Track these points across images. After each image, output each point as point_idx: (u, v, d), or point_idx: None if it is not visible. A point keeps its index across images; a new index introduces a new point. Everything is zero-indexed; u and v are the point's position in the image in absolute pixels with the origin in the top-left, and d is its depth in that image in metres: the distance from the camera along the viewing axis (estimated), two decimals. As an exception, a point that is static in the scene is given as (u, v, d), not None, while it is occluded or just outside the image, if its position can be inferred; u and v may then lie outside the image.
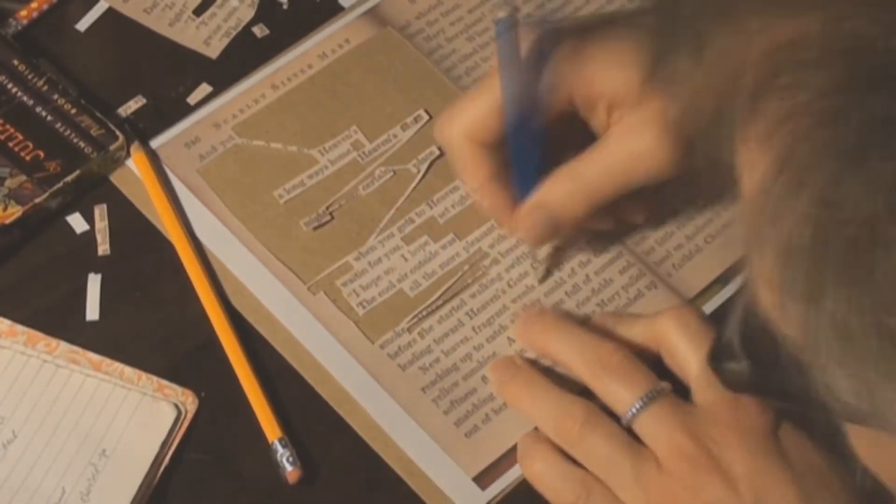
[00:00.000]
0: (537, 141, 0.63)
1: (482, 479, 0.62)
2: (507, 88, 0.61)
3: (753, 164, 0.36)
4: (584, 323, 0.64)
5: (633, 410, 0.59)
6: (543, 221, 0.64)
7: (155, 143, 0.70)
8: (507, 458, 0.62)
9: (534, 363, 0.64)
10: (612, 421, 0.60)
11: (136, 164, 0.69)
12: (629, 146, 0.62)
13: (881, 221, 0.32)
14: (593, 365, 0.61)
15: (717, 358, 0.47)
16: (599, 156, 0.63)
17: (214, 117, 0.71)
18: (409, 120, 0.71)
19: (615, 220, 0.67)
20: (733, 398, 0.58)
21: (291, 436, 0.62)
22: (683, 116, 0.57)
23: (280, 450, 0.62)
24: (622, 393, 0.59)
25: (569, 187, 0.63)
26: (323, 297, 0.66)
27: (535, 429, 0.62)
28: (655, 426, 0.59)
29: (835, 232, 0.33)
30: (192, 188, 0.69)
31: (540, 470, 0.60)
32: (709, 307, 0.67)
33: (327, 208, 0.69)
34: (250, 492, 0.62)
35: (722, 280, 0.68)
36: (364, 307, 0.66)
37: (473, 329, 0.66)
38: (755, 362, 0.43)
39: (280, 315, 0.65)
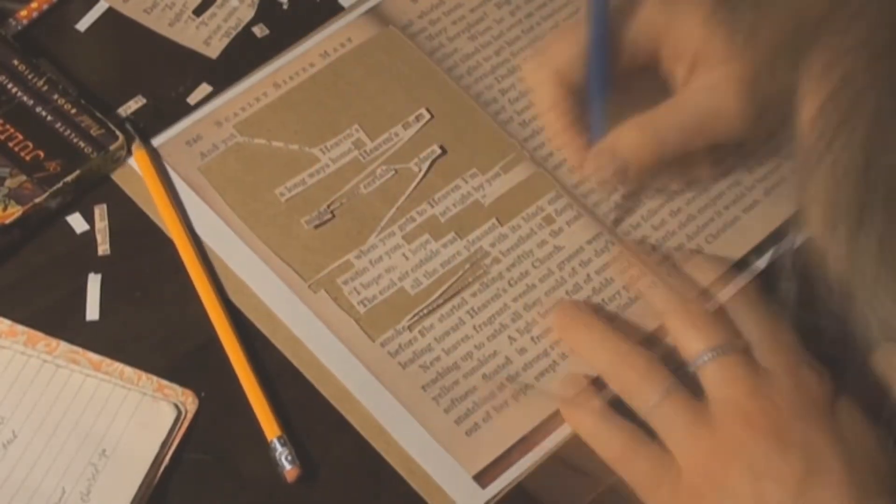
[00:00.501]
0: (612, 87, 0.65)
1: (482, 478, 0.62)
2: (594, 32, 0.62)
3: (814, 92, 0.37)
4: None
5: (704, 359, 0.60)
6: (612, 164, 0.65)
7: (156, 142, 0.70)
8: (508, 456, 0.62)
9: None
10: (672, 374, 0.60)
11: (137, 161, 0.69)
12: (706, 103, 0.63)
13: None
14: (676, 308, 0.62)
15: (771, 278, 0.48)
16: (676, 109, 0.64)
17: (216, 115, 0.71)
18: (411, 119, 0.71)
19: (681, 173, 0.68)
20: (794, 365, 0.59)
21: (291, 434, 0.62)
22: (758, 70, 0.58)
23: (279, 448, 0.62)
24: (696, 340, 0.60)
25: (641, 135, 0.64)
26: (324, 295, 0.66)
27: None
28: (720, 377, 0.59)
29: (886, 155, 0.34)
30: (193, 186, 0.69)
31: (582, 417, 0.61)
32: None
33: (328, 206, 0.69)
34: (250, 492, 0.62)
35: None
36: (365, 305, 0.66)
37: (474, 327, 0.66)
38: (805, 283, 0.44)
39: (281, 313, 0.65)
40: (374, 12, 0.75)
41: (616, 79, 0.65)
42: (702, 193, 0.69)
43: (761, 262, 0.66)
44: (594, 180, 0.67)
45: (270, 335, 0.65)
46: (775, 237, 0.67)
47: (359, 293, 0.66)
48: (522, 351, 0.65)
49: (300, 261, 0.67)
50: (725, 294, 0.63)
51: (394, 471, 0.62)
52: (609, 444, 0.60)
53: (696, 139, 0.64)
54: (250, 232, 0.67)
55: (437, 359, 0.65)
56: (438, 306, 0.66)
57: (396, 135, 0.71)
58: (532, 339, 0.65)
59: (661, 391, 0.59)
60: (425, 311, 0.66)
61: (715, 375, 0.59)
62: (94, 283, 0.67)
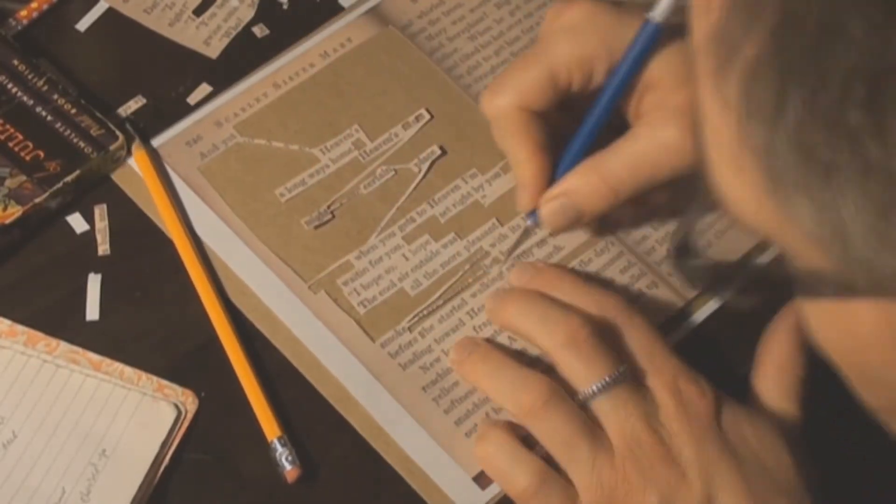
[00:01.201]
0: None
1: (482, 479, 0.62)
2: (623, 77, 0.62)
3: (707, 8, 0.37)
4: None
5: (593, 390, 0.59)
6: (565, 210, 0.64)
7: (156, 142, 0.70)
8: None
9: (494, 343, 0.65)
10: (572, 401, 0.60)
11: (137, 162, 0.69)
12: (656, 138, 0.62)
13: (838, 15, 0.33)
14: (559, 338, 0.60)
15: (678, 255, 0.48)
16: (627, 148, 0.63)
17: (216, 115, 0.71)
18: (411, 119, 0.71)
19: (639, 206, 0.67)
20: (672, 381, 0.59)
21: (291, 435, 0.62)
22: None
23: (279, 448, 0.62)
24: (584, 371, 0.60)
25: (593, 179, 0.63)
26: (324, 295, 0.66)
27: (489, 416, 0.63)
28: (612, 410, 0.59)
29: (794, 39, 0.34)
30: (193, 186, 0.69)
31: (492, 452, 0.60)
32: (710, 307, 0.67)
33: (328, 207, 0.69)
34: (250, 492, 0.62)
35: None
36: (365, 306, 0.66)
37: (474, 328, 0.65)
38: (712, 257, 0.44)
39: (281, 314, 0.65)
40: (373, 12, 0.75)
41: (574, 104, 0.64)
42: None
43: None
44: (547, 228, 0.66)
45: (270, 335, 0.65)
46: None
47: (359, 294, 0.66)
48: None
49: (300, 261, 0.67)
50: (603, 310, 0.62)
51: (393, 471, 0.62)
52: (515, 480, 0.59)
53: (651, 176, 0.62)
54: (250, 232, 0.67)
55: (438, 360, 0.64)
56: (438, 307, 0.66)
57: (396, 135, 0.71)
58: None
59: (566, 422, 0.59)
60: (425, 312, 0.66)
61: (607, 408, 0.59)
62: (94, 283, 0.67)
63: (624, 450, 0.58)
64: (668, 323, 0.66)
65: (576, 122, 0.64)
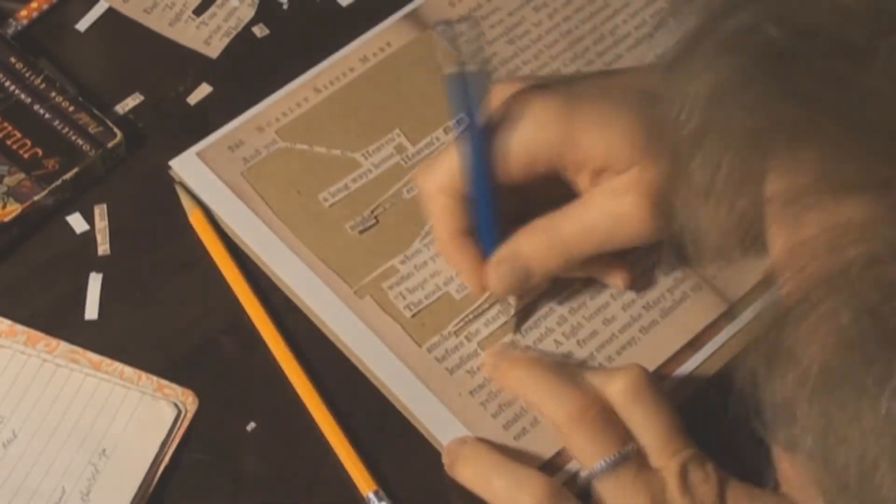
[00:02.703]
0: (506, 193, 0.62)
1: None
2: (468, 146, 0.61)
3: (781, 224, 0.40)
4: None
5: (599, 468, 0.59)
6: (514, 272, 0.63)
7: (198, 147, 0.70)
8: (555, 460, 0.62)
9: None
10: (574, 497, 0.59)
11: (195, 226, 0.68)
12: (610, 208, 0.61)
13: None
14: (566, 413, 0.60)
15: None
16: (579, 213, 0.62)
17: (258, 120, 0.71)
18: (452, 123, 0.71)
19: (590, 275, 0.66)
20: (682, 466, 0.59)
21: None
22: (665, 180, 0.57)
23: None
24: (590, 449, 0.59)
25: (544, 240, 0.62)
26: (370, 300, 0.66)
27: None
28: (617, 490, 0.59)
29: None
30: (237, 192, 0.69)
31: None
32: (754, 309, 0.67)
33: (372, 212, 0.69)
34: (250, 492, 0.62)
35: (767, 282, 0.68)
36: (411, 310, 0.66)
37: (520, 332, 0.66)
38: None
39: (328, 319, 0.65)
40: (412, 16, 0.75)
41: (517, 187, 0.62)
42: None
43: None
44: (494, 291, 0.64)
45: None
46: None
47: (405, 298, 0.66)
48: (569, 356, 0.65)
49: (345, 266, 0.67)
50: (618, 395, 0.61)
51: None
52: None
53: (603, 243, 0.62)
54: (295, 237, 0.67)
55: (484, 364, 0.65)
56: (484, 311, 0.66)
57: (437, 139, 0.71)
58: (578, 342, 0.65)
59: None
60: (471, 317, 0.66)
61: (612, 487, 0.59)
62: (94, 282, 0.67)
63: None
64: (712, 326, 0.66)
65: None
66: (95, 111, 0.70)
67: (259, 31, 0.76)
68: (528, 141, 0.61)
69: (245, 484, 0.62)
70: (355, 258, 0.67)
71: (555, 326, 0.66)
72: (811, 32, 0.37)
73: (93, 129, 0.70)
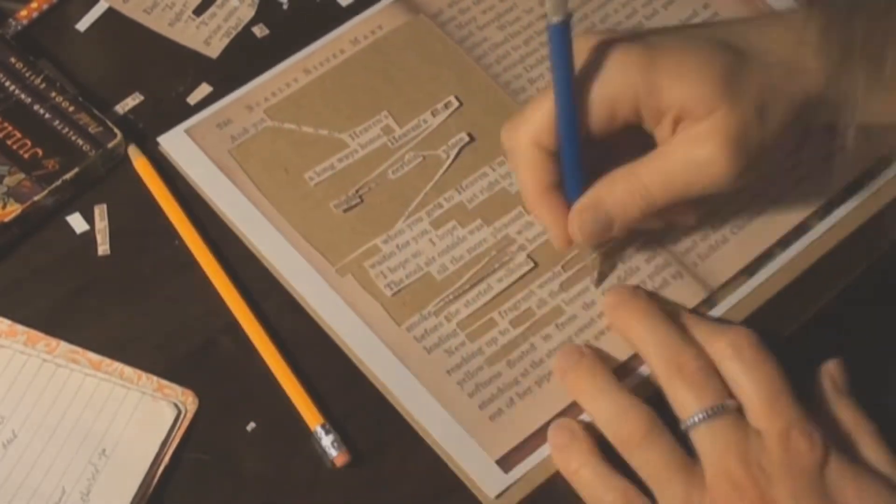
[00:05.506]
0: (589, 148, 0.63)
1: (505, 462, 0.62)
2: (560, 95, 0.61)
3: None
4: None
5: (696, 419, 0.59)
6: (597, 220, 0.63)
7: (187, 124, 0.71)
8: (531, 441, 0.62)
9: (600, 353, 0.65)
10: (670, 434, 0.60)
11: (138, 169, 0.69)
12: (692, 155, 0.61)
13: None
14: (670, 365, 0.61)
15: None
16: (661, 161, 0.62)
17: (246, 100, 0.72)
18: (440, 106, 0.72)
19: (666, 221, 0.67)
20: (785, 430, 0.58)
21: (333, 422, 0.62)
22: (747, 119, 0.58)
23: (323, 436, 0.62)
24: (690, 399, 0.60)
25: (626, 188, 0.62)
26: (351, 279, 0.66)
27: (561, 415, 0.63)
28: (712, 442, 0.59)
29: None
30: (223, 168, 0.69)
31: (584, 476, 0.60)
32: (733, 298, 0.67)
33: (357, 191, 0.69)
34: (250, 492, 0.62)
35: (747, 271, 0.68)
36: (391, 289, 0.66)
37: (499, 313, 0.66)
38: None
39: (308, 296, 0.66)
40: (405, 0, 0.76)
41: (599, 139, 0.63)
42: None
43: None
44: (577, 239, 0.64)
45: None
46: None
47: (385, 277, 0.67)
48: (547, 338, 0.65)
49: (328, 244, 0.67)
50: (724, 350, 0.61)
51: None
52: (602, 499, 0.60)
53: (683, 190, 0.62)
54: (279, 215, 0.68)
55: (462, 344, 0.65)
56: (464, 292, 0.67)
57: (425, 122, 0.72)
58: (556, 325, 0.66)
59: (663, 456, 0.59)
60: (451, 297, 0.66)
61: (706, 439, 0.59)
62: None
63: (716, 483, 0.58)
64: (691, 313, 0.66)
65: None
66: (95, 111, 0.70)
67: (259, 31, 0.76)
68: (609, 89, 0.62)
69: (245, 484, 0.62)
70: (338, 237, 0.68)
71: (535, 309, 0.66)
72: None
73: (93, 129, 0.70)
